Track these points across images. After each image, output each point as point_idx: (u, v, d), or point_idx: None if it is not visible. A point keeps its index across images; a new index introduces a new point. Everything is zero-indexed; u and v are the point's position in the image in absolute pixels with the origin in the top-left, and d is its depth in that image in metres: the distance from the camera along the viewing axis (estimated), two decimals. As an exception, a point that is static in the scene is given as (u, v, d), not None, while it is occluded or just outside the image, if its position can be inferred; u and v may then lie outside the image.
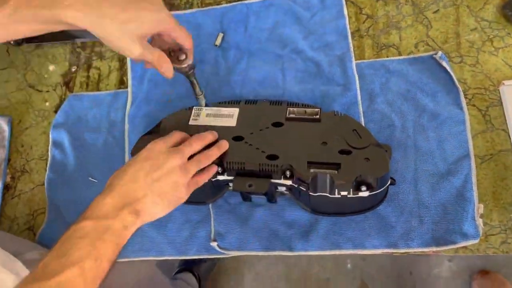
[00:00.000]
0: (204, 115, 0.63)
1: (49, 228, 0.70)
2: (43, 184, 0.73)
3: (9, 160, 0.76)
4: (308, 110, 0.61)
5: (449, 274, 1.28)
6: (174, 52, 0.57)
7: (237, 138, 0.60)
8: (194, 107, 0.64)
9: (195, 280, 1.19)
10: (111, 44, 0.49)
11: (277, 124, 0.61)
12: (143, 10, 0.49)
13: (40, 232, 0.70)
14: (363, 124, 0.65)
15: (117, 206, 0.46)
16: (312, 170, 0.55)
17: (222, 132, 0.60)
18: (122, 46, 0.49)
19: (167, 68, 0.53)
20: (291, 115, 0.61)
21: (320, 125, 0.60)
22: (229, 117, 0.63)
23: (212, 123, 0.62)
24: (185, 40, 0.54)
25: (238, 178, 0.58)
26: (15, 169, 0.75)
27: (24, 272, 0.54)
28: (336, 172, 0.54)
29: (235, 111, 0.63)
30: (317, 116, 0.60)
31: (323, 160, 0.56)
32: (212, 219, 0.64)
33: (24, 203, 0.73)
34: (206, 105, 0.64)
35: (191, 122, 0.63)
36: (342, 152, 0.56)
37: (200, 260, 1.25)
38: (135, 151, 0.62)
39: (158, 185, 0.49)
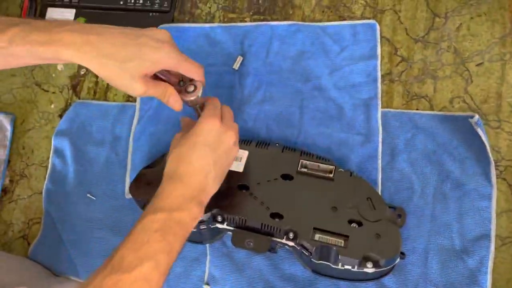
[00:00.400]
0: None
1: (43, 241, 0.68)
2: (41, 193, 0.71)
3: (9, 161, 0.74)
4: (322, 166, 0.57)
5: None
6: (184, 82, 0.52)
7: (242, 187, 0.57)
8: None
9: None
10: (112, 83, 0.47)
11: (287, 177, 0.57)
12: (144, 48, 0.45)
13: (33, 245, 0.68)
14: (379, 181, 0.60)
15: (187, 199, 0.46)
16: (317, 236, 0.52)
17: (229, 176, 0.56)
18: (123, 84, 0.46)
19: (173, 102, 0.50)
20: (303, 169, 0.57)
21: (333, 185, 0.55)
22: (237, 160, 0.58)
23: None
24: (194, 73, 0.50)
25: (238, 232, 0.55)
26: (14, 172, 0.73)
27: None
28: (342, 244, 0.51)
29: (244, 154, 0.59)
30: (331, 175, 0.56)
31: (331, 229, 0.52)
32: (207, 260, 0.62)
33: (20, 210, 0.71)
34: None
35: None
36: (352, 221, 0.53)
37: None
38: (133, 187, 0.59)
39: (222, 168, 0.51)
